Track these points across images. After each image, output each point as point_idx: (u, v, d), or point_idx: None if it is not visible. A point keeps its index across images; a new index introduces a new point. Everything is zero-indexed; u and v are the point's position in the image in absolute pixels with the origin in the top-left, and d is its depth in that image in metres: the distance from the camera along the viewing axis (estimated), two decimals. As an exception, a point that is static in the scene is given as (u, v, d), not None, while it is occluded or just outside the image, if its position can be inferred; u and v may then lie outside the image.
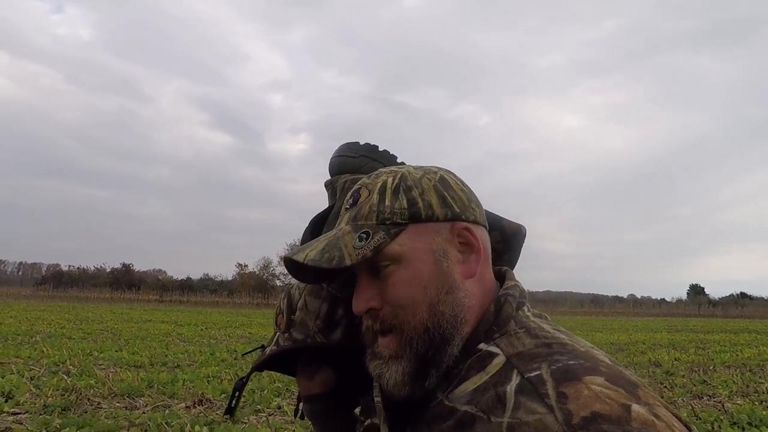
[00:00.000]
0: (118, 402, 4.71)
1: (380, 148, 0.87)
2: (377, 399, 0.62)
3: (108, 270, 46.50)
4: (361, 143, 0.88)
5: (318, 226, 0.83)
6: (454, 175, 0.66)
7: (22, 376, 5.51)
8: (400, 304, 0.58)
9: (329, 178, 0.89)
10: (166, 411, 4.31)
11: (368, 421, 0.64)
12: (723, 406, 4.94)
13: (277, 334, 0.82)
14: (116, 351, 8.09)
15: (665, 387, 6.12)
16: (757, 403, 5.13)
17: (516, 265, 0.81)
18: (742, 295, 56.95)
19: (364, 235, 0.58)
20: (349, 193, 0.66)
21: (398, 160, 0.86)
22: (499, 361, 0.53)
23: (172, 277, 48.96)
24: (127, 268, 46.31)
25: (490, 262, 0.65)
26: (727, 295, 58.14)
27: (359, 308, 0.60)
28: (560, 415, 0.43)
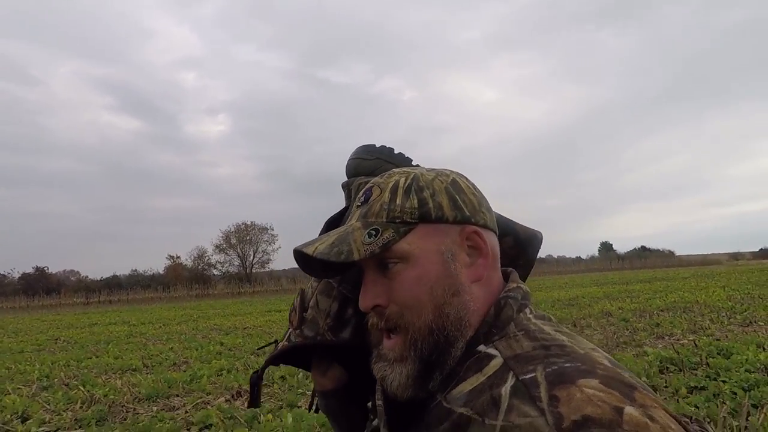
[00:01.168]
0: (152, 405, 4.68)
1: (396, 151, 0.89)
2: (379, 402, 0.63)
3: (18, 275, 41.87)
4: (377, 145, 0.90)
5: (333, 227, 0.83)
6: (467, 179, 0.67)
7: (19, 396, 5.21)
8: (407, 303, 0.58)
9: (345, 180, 0.91)
10: (210, 407, 4.39)
11: (375, 422, 0.64)
12: (682, 343, 5.96)
13: (290, 330, 0.84)
14: (96, 357, 7.72)
15: (629, 332, 7.15)
16: (704, 337, 6.23)
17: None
18: (643, 248, 64.53)
19: (374, 232, 0.59)
20: (362, 191, 0.66)
21: (413, 163, 0.89)
22: (497, 363, 0.54)
23: (87, 277, 45.28)
24: (41, 272, 41.98)
25: (499, 266, 0.65)
26: (631, 249, 65.57)
27: (366, 304, 0.61)
28: (551, 419, 0.44)
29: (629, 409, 0.43)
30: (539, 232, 0.83)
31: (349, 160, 0.91)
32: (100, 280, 43.32)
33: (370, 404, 0.68)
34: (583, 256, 66.70)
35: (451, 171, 0.67)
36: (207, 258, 47.26)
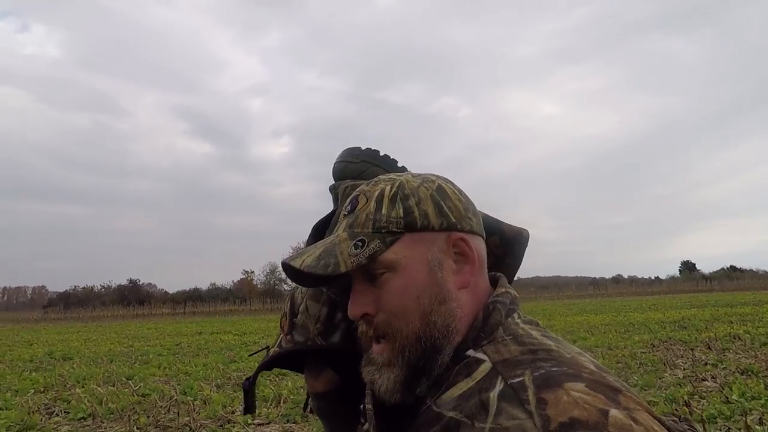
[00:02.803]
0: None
1: (381, 153, 0.88)
2: (368, 406, 0.63)
3: (114, 287, 45.81)
4: (363, 148, 0.89)
5: (320, 231, 0.83)
6: (452, 184, 0.67)
7: (184, 393, 5.81)
8: (394, 312, 0.59)
9: (332, 183, 0.90)
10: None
11: (365, 425, 0.64)
12: None
13: (281, 336, 0.84)
14: (230, 363, 8.37)
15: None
16: None
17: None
18: (733, 268, 59.18)
19: (360, 243, 0.59)
20: (348, 200, 0.67)
21: (399, 164, 0.87)
22: (485, 367, 0.54)
23: (162, 290, 48.62)
24: (134, 284, 45.80)
25: (486, 271, 0.65)
26: (718, 269, 60.37)
27: (354, 313, 0.61)
28: (539, 421, 0.44)
29: (614, 412, 0.44)
30: (525, 230, 0.82)
31: (335, 163, 0.90)
32: (184, 291, 46.30)
33: (361, 407, 0.68)
34: (662, 277, 62.30)
35: (437, 176, 0.67)
36: (278, 273, 49.26)
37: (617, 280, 64.65)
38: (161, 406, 5.08)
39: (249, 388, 0.87)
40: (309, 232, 0.84)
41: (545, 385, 0.48)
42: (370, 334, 0.61)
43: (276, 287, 48.04)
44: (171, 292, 47.39)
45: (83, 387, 6.58)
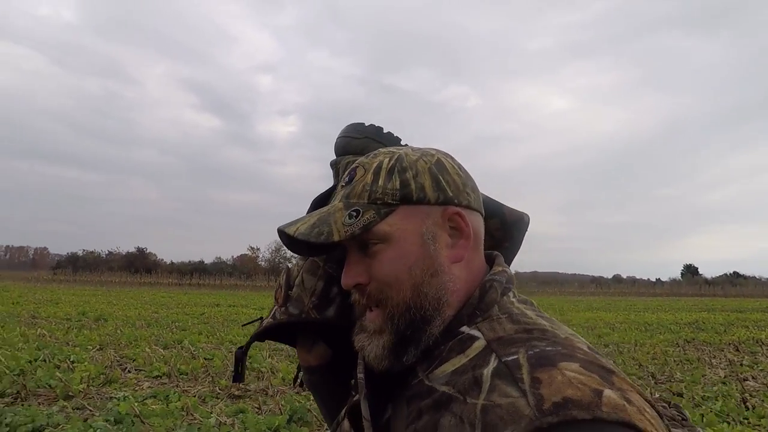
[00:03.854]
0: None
1: (385, 130, 0.87)
2: (360, 375, 0.63)
3: (123, 253, 46.18)
4: (366, 124, 0.88)
5: (319, 206, 0.83)
6: (452, 159, 0.66)
7: (262, 360, 6.02)
8: (386, 281, 0.59)
9: (334, 158, 0.90)
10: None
11: (355, 397, 0.64)
12: None
13: (275, 307, 0.84)
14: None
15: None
16: None
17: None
18: (736, 274, 59.49)
19: (354, 213, 0.60)
20: (346, 172, 0.67)
21: (402, 143, 0.87)
22: (479, 344, 0.54)
23: (161, 260, 48.94)
24: (141, 252, 46.15)
25: (482, 248, 0.65)
26: (721, 274, 60.68)
27: (347, 282, 0.62)
28: (532, 400, 0.44)
29: (608, 392, 0.44)
30: (526, 214, 0.81)
31: (337, 138, 0.89)
32: (190, 263, 46.69)
33: (353, 381, 0.68)
34: (663, 278, 62.68)
35: (437, 150, 0.67)
36: (283, 251, 49.62)
37: (618, 279, 65.04)
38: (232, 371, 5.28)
39: (241, 356, 0.88)
40: (309, 206, 0.85)
41: (539, 364, 0.48)
42: (363, 302, 0.62)
43: (281, 265, 48.42)
44: (168, 262, 47.78)
45: (137, 347, 6.81)
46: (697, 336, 10.07)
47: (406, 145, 0.84)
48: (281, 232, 0.63)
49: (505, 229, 0.79)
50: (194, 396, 4.43)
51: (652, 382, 5.64)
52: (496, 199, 0.80)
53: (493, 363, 0.50)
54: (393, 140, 0.86)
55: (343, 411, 0.67)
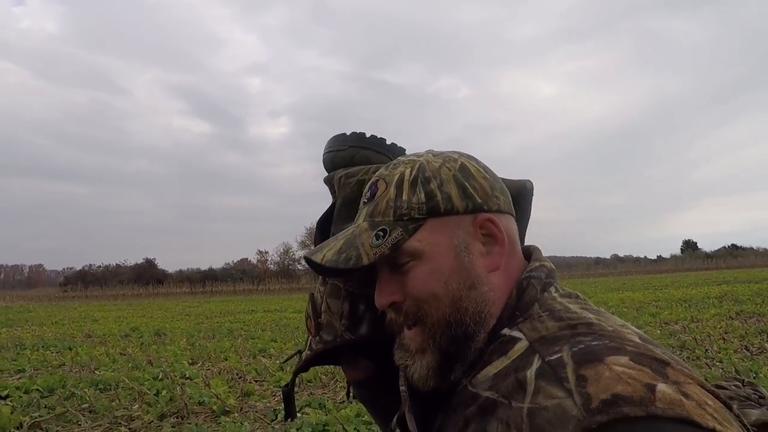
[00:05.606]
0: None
1: (367, 134, 0.86)
2: (402, 388, 0.62)
3: (131, 265, 45.96)
4: (348, 133, 0.86)
5: (324, 227, 0.83)
6: (476, 161, 0.64)
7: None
8: (422, 298, 0.57)
9: (326, 175, 0.88)
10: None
11: (401, 411, 0.63)
12: None
13: (309, 338, 0.85)
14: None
15: None
16: None
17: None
18: (734, 246, 60.57)
19: (381, 233, 0.58)
20: (367, 186, 0.65)
21: (388, 143, 0.86)
22: (521, 345, 0.53)
23: (164, 270, 48.86)
24: (150, 263, 45.99)
25: (518, 249, 0.63)
26: (719, 248, 61.75)
27: (382, 302, 0.60)
28: (579, 399, 0.42)
29: (662, 386, 0.42)
30: (528, 180, 0.78)
31: (323, 154, 0.88)
32: (200, 271, 46.58)
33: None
34: (665, 255, 63.62)
35: (459, 154, 0.64)
36: (292, 253, 49.69)
37: (619, 259, 65.85)
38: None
39: (288, 394, 0.87)
40: (315, 229, 0.85)
41: (585, 361, 0.45)
42: (400, 321, 0.60)
43: (290, 267, 48.51)
44: (172, 271, 47.68)
45: (226, 359, 6.92)
46: (744, 308, 10.34)
47: (393, 144, 0.84)
48: (308, 260, 0.62)
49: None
50: (338, 401, 4.58)
51: (724, 359, 5.86)
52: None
53: (536, 364, 0.49)
54: (378, 142, 0.85)
55: (394, 421, 0.66)
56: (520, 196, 0.75)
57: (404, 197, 0.59)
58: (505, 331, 0.56)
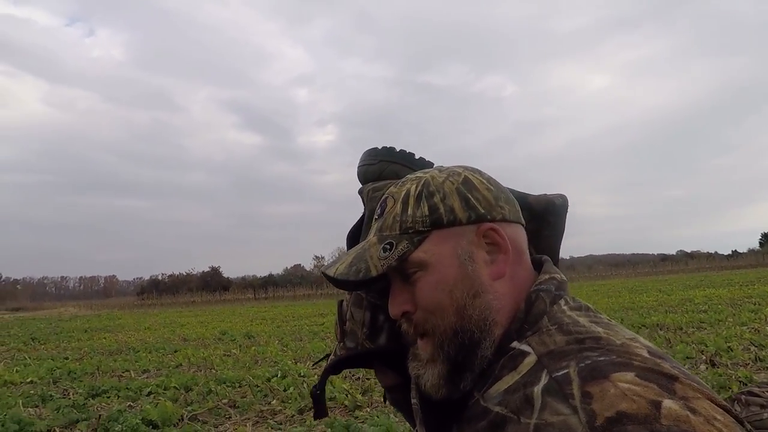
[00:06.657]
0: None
1: (397, 149, 0.89)
2: (414, 401, 0.64)
3: (197, 273, 48.59)
4: (379, 148, 0.90)
5: (354, 237, 0.87)
6: (480, 174, 0.66)
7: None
8: (429, 308, 0.60)
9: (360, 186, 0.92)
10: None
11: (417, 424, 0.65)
12: None
13: (336, 344, 0.88)
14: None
15: None
16: None
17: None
18: (823, 238, 55.17)
19: (388, 246, 0.61)
20: (378, 204, 0.68)
21: (416, 157, 0.88)
22: (530, 360, 0.53)
23: (228, 277, 50.97)
24: (215, 271, 48.41)
25: (526, 258, 0.64)
26: (805, 240, 56.36)
27: (394, 312, 0.63)
28: (583, 416, 0.43)
29: (668, 403, 0.42)
30: (560, 196, 0.78)
31: (357, 167, 0.93)
32: (260, 277, 48.46)
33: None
34: (741, 250, 59.00)
35: (465, 168, 0.66)
36: (345, 257, 50.67)
37: (690, 255, 61.87)
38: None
39: (317, 394, 0.90)
40: (345, 240, 0.89)
41: (590, 377, 0.46)
42: (411, 332, 0.63)
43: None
44: (232, 277, 49.87)
45: (326, 359, 7.23)
46: None
47: (421, 158, 0.87)
48: (324, 273, 0.66)
49: (535, 219, 0.76)
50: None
51: None
52: (522, 191, 0.78)
53: (543, 379, 0.49)
54: (407, 157, 0.88)
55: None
56: (548, 212, 0.76)
57: (409, 211, 0.62)
58: (515, 344, 0.57)
